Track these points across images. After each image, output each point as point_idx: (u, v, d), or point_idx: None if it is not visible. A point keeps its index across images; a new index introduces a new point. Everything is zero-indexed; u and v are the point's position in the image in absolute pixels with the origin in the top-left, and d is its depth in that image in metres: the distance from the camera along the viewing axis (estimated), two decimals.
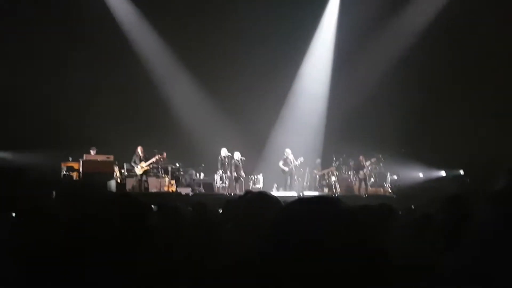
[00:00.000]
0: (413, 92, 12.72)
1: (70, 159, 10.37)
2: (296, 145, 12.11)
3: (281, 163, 11.57)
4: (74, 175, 10.05)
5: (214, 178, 11.40)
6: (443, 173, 12.73)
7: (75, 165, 10.17)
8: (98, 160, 10.08)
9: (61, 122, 11.01)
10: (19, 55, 10.80)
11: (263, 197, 1.92)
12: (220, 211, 6.12)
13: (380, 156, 11.82)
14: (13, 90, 10.55)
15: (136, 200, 1.82)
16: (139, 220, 1.77)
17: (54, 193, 7.46)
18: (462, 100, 12.30)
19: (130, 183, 10.31)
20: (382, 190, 11.86)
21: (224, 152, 11.27)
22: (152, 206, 2.88)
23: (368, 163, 11.73)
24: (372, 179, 11.97)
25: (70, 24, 11.43)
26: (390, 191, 11.66)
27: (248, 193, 3.13)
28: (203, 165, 11.87)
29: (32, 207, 3.35)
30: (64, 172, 10.09)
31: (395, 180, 12.05)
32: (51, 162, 10.11)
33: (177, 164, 11.50)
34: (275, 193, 11.21)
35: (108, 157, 10.19)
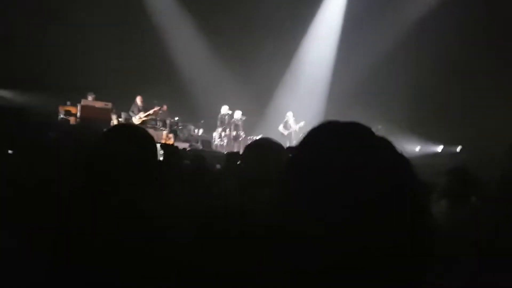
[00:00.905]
0: (420, 64, 12.50)
1: (68, 103, 10.20)
2: (298, 110, 11.99)
3: (281, 126, 11.49)
4: (71, 119, 9.91)
5: (212, 136, 11.31)
6: (440, 148, 12.77)
7: (73, 110, 10.01)
8: (96, 106, 9.91)
9: (61, 64, 10.73)
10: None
11: (265, 142, 1.79)
12: (218, 166, 6.09)
13: (380, 127, 11.75)
14: (16, 29, 10.17)
15: (146, 134, 1.70)
16: (149, 155, 1.65)
17: (51, 135, 7.34)
18: (468, 75, 12.13)
19: None
20: None
21: (224, 109, 11.12)
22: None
23: None
24: None
25: None
26: None
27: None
28: (202, 121, 11.74)
29: (33, 144, 3.25)
30: (62, 116, 9.95)
31: None
32: (49, 104, 9.93)
33: (176, 118, 11.36)
34: None
35: (106, 104, 10.02)
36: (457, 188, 3.11)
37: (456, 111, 12.10)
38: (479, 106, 11.71)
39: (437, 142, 12.62)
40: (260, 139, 2.09)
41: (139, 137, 1.66)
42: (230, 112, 11.16)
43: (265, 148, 1.82)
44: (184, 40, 12.77)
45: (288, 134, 11.49)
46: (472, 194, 2.98)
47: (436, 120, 12.26)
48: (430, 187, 3.48)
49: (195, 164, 4.30)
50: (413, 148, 12.52)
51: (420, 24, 12.12)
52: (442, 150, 12.69)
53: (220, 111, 11.16)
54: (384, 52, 12.35)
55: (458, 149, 12.33)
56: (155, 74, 12.02)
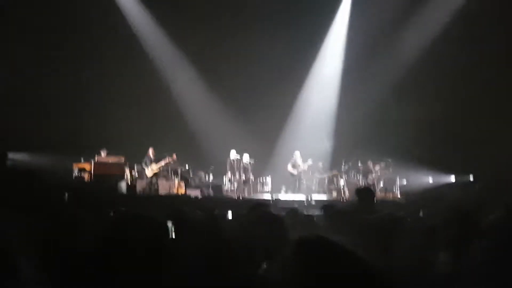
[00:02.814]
0: (425, 97, 12.63)
1: (82, 160, 10.53)
2: (305, 148, 12.14)
3: (289, 166, 11.60)
4: (86, 176, 10.19)
5: (223, 181, 11.48)
6: (452, 179, 12.65)
7: (87, 166, 10.30)
8: (109, 161, 10.21)
9: (73, 123, 11.19)
10: (32, 57, 10.96)
11: (265, 219, 1.99)
12: (229, 215, 6.16)
13: (390, 160, 11.80)
14: (27, 92, 10.73)
15: (152, 221, 1.89)
16: (156, 241, 1.84)
17: (66, 195, 7.58)
18: (475, 107, 12.17)
19: (140, 185, 10.43)
20: (391, 195, 11.82)
21: (233, 154, 11.34)
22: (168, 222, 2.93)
23: (377, 167, 11.72)
24: (381, 184, 11.94)
25: (82, 26, 11.60)
26: (399, 196, 11.61)
27: (254, 209, 3.19)
28: (212, 167, 11.95)
29: (49, 213, 3.44)
30: (76, 174, 10.25)
31: (404, 185, 12.01)
32: (63, 163, 10.26)
33: (187, 166, 11.59)
34: (283, 196, 11.26)
35: (119, 159, 10.32)
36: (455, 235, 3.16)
37: (466, 140, 12.07)
38: (490, 135, 11.68)
39: (448, 172, 12.52)
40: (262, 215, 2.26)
41: (145, 226, 1.86)
42: (238, 156, 11.37)
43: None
44: (189, 89, 13.22)
45: (297, 173, 11.58)
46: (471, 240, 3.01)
47: (446, 151, 12.24)
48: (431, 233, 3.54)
49: (206, 222, 4.38)
50: (423, 179, 12.43)
51: (426, 54, 12.21)
52: (455, 180, 12.56)
53: (229, 156, 11.38)
54: (390, 84, 12.49)
55: (471, 178, 12.21)
56: (164, 125, 12.41)
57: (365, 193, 4.67)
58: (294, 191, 11.47)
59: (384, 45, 12.69)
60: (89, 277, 1.94)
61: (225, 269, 2.37)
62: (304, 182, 11.92)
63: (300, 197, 10.71)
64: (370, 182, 11.48)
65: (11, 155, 8.88)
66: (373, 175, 11.58)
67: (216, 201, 9.39)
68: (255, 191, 11.70)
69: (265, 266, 1.72)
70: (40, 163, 9.99)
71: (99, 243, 2.06)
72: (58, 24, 11.21)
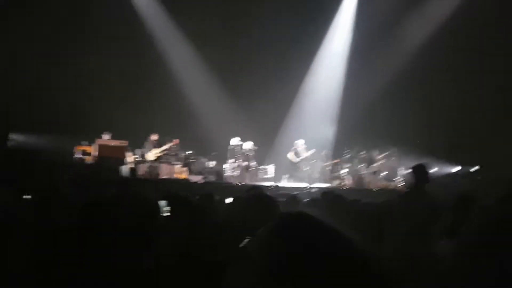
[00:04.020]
0: (432, 85, 12.51)
1: (86, 143, 10.55)
2: (309, 136, 12.08)
3: (290, 154, 11.55)
4: (88, 158, 10.22)
5: (224, 167, 11.46)
6: (457, 169, 12.55)
7: (89, 149, 10.33)
8: (112, 144, 10.20)
9: (74, 106, 11.17)
10: (35, 39, 10.93)
11: (260, 200, 1.98)
12: (228, 201, 6.17)
13: (394, 149, 11.73)
14: (30, 73, 10.71)
15: (146, 199, 1.91)
16: (147, 217, 1.85)
17: (67, 176, 7.62)
18: (482, 96, 12.03)
19: (141, 169, 10.44)
20: (393, 184, 11.77)
21: (235, 141, 11.31)
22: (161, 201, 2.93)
23: (380, 156, 11.65)
24: (384, 173, 11.88)
25: (82, 10, 11.53)
26: (401, 186, 11.56)
27: (251, 190, 3.19)
28: (214, 153, 11.93)
29: (46, 190, 3.44)
30: (78, 156, 10.28)
31: (408, 174, 11.92)
32: (64, 145, 10.28)
33: (189, 152, 11.58)
34: (285, 183, 11.24)
35: (121, 142, 10.32)
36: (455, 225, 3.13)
37: (471, 131, 11.96)
38: (496, 126, 11.55)
39: (453, 163, 12.42)
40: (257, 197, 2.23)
41: (138, 205, 1.87)
42: (240, 143, 11.33)
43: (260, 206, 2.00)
44: (192, 75, 13.14)
45: (299, 161, 11.53)
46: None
47: (450, 141, 12.13)
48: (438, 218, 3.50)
49: (203, 203, 4.39)
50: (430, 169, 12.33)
51: (432, 43, 12.11)
52: (459, 170, 12.47)
53: (231, 143, 11.35)
54: (395, 71, 12.38)
55: (475, 169, 12.10)
56: (167, 110, 12.37)
57: (420, 170, 4.38)
58: (296, 180, 11.44)
59: (391, 32, 12.53)
60: (80, 251, 1.93)
61: (212, 245, 2.35)
62: (306, 170, 11.88)
63: (302, 185, 10.69)
64: (373, 170, 11.43)
65: (13, 136, 8.92)
66: (377, 164, 11.52)
67: (217, 187, 9.39)
68: (257, 178, 11.69)
69: (246, 240, 1.71)
70: (42, 144, 10.00)
71: (91, 216, 2.06)
72: (60, 8, 11.13)
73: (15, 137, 9.37)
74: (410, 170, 4.43)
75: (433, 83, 12.51)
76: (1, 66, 10.46)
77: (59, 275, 1.68)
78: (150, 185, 8.94)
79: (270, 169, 12.20)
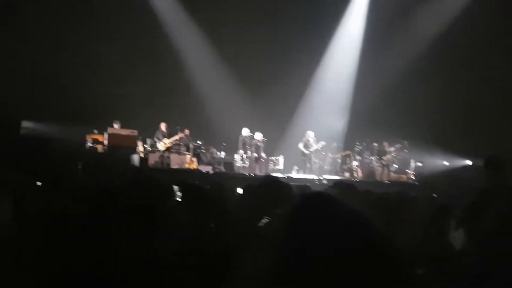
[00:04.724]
0: (446, 75, 12.29)
1: (96, 131, 10.62)
2: (319, 128, 11.99)
3: (301, 145, 11.48)
4: (99, 147, 10.28)
5: (234, 158, 11.46)
6: (468, 162, 12.39)
7: (100, 138, 10.39)
8: (123, 134, 10.25)
9: (87, 95, 11.24)
10: (48, 29, 10.97)
11: (275, 186, 1.95)
12: (239, 190, 6.15)
13: (405, 142, 11.63)
14: (42, 62, 10.77)
15: (159, 182, 1.89)
16: (160, 202, 1.83)
17: (79, 164, 7.68)
18: (495, 88, 11.80)
19: (152, 159, 10.48)
20: (405, 177, 11.67)
21: (245, 132, 11.28)
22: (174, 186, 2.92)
23: (392, 149, 11.54)
24: (396, 165, 11.77)
25: (98, 2, 11.54)
26: (413, 178, 11.46)
27: (266, 179, 3.16)
28: (224, 144, 11.93)
29: (59, 177, 3.45)
30: (89, 144, 10.35)
31: (419, 167, 11.82)
32: (76, 134, 10.36)
33: (199, 142, 11.60)
34: (295, 175, 11.21)
35: (132, 132, 10.36)
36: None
37: (485, 124, 11.76)
38: (508, 118, 11.34)
39: (464, 156, 12.26)
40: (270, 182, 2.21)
41: (151, 187, 1.85)
42: (250, 134, 11.30)
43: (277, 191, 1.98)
44: (203, 65, 13.11)
45: (309, 153, 11.46)
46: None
47: (463, 134, 11.94)
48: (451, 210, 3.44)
49: (213, 192, 4.38)
50: (439, 162, 12.21)
51: (448, 31, 11.89)
52: (471, 164, 12.30)
53: (241, 133, 11.33)
54: (408, 63, 12.20)
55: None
56: (177, 100, 12.37)
57: (496, 162, 4.01)
58: (305, 171, 11.39)
59: (405, 21, 12.30)
60: (94, 236, 1.93)
61: (229, 233, 2.34)
62: (316, 162, 11.82)
63: (311, 177, 10.65)
64: (384, 163, 11.33)
65: (25, 124, 9.00)
66: (388, 156, 11.41)
67: (227, 177, 9.39)
68: (267, 169, 11.67)
69: (265, 220, 1.69)
70: (54, 132, 10.08)
71: (105, 200, 2.05)
72: (72, 2, 11.16)
73: (28, 125, 9.45)
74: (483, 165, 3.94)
75: (448, 73, 12.28)
76: (15, 55, 10.53)
77: (76, 263, 1.67)
78: (161, 174, 8.96)
79: (280, 160, 12.18)
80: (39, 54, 10.81)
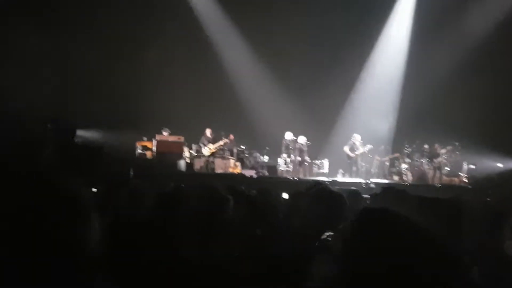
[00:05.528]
0: (497, 75, 11.64)
1: (145, 138, 11.05)
2: (366, 131, 11.71)
3: (347, 148, 11.25)
4: (148, 154, 10.68)
5: (278, 162, 11.47)
6: None
7: (149, 144, 10.80)
8: (170, 140, 10.61)
9: (136, 105, 11.69)
10: (101, 39, 11.52)
11: (327, 195, 1.95)
12: (284, 195, 6.13)
13: (457, 144, 11.11)
14: (95, 73, 11.34)
15: (219, 193, 1.94)
16: (218, 211, 1.89)
17: (131, 170, 8.01)
18: None
19: (197, 164, 10.74)
20: (457, 180, 11.12)
21: (289, 135, 11.26)
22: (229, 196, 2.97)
23: (443, 151, 11.05)
24: (447, 168, 11.25)
25: (143, 12, 11.97)
26: (465, 181, 10.90)
27: (314, 186, 3.13)
28: (267, 148, 11.97)
29: (114, 183, 3.61)
30: (139, 151, 10.78)
31: (472, 170, 11.23)
32: (126, 141, 10.81)
33: (242, 147, 11.72)
34: (340, 179, 11.02)
35: (179, 138, 10.69)
36: None
37: None
38: None
39: None
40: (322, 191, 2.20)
41: (207, 196, 1.91)
42: (294, 138, 11.26)
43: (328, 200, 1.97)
44: (246, 69, 13.23)
45: (355, 156, 11.22)
46: None
47: None
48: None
49: (261, 200, 4.38)
50: (492, 165, 11.52)
51: (497, 31, 11.37)
52: None
53: (284, 137, 11.32)
54: (457, 62, 11.69)
55: None
56: (221, 105, 12.57)
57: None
58: (351, 175, 11.15)
59: (453, 20, 11.79)
60: (151, 241, 2.00)
61: (281, 240, 2.34)
62: (363, 165, 11.55)
63: (358, 180, 10.41)
64: (435, 165, 10.87)
65: (80, 133, 9.52)
66: (439, 158, 10.93)
67: (272, 181, 9.41)
68: (311, 173, 11.57)
69: (325, 235, 1.68)
70: (106, 140, 10.58)
71: (165, 207, 2.13)
72: (122, 11, 11.64)
73: (82, 134, 9.97)
74: None
75: (498, 73, 11.61)
76: (69, 67, 11.17)
77: (136, 266, 1.75)
78: (207, 179, 9.15)
79: (325, 164, 12.02)
80: (92, 65, 11.36)
